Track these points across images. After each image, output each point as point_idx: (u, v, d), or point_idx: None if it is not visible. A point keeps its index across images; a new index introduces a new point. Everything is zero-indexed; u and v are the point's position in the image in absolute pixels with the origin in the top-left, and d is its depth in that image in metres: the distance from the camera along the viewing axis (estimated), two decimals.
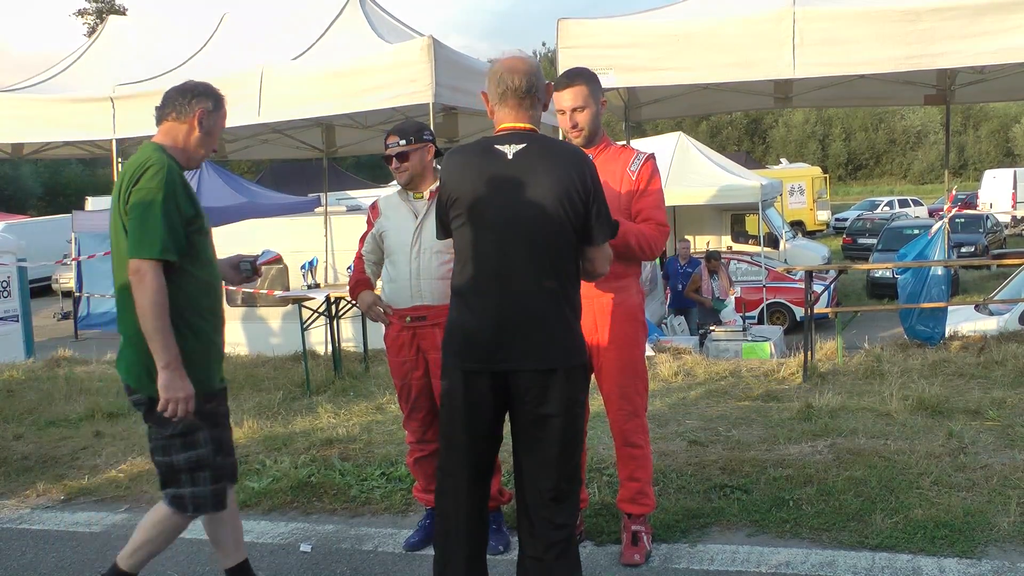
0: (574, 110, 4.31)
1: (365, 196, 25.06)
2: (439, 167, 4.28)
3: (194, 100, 3.79)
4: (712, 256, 15.58)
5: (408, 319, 4.56)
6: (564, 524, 3.40)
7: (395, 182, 4.83)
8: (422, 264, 4.51)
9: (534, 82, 3.51)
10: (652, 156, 4.49)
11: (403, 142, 4.60)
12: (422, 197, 4.63)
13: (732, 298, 16.32)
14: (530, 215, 3.33)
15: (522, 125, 3.50)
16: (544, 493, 3.37)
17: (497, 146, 3.41)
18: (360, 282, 4.78)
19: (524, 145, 3.40)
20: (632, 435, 4.44)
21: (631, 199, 4.33)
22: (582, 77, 4.36)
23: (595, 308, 4.32)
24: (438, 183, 4.63)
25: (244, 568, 4.09)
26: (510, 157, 3.38)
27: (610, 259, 3.64)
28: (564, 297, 3.39)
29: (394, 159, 4.61)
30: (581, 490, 4.50)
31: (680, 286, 15.36)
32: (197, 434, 3.72)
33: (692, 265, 15.34)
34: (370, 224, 4.79)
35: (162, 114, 3.82)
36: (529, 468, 3.42)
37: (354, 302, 5.29)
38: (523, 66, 3.53)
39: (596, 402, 4.62)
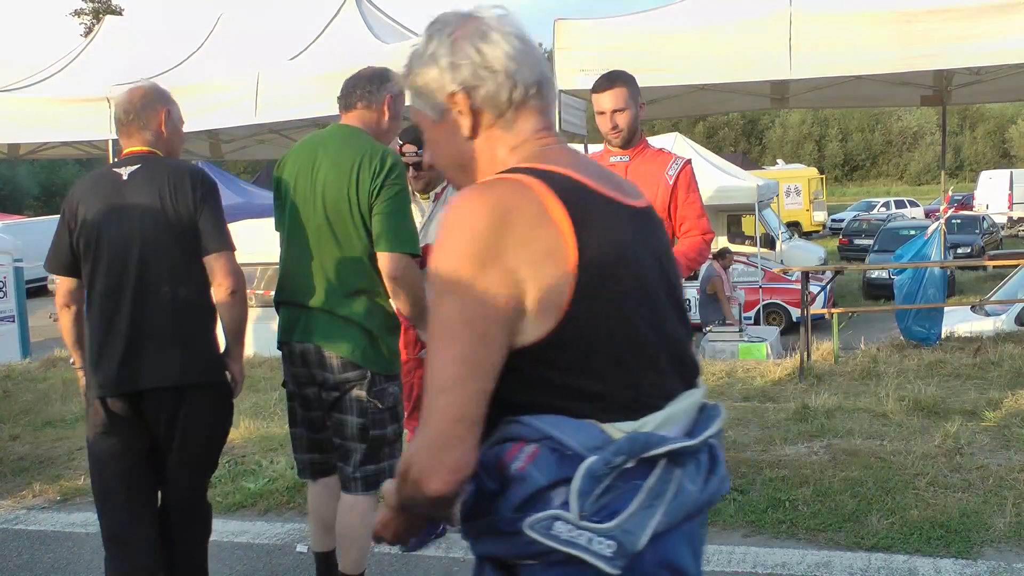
0: (614, 111, 4.36)
1: None
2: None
3: (383, 86, 3.83)
4: (724, 253, 15.42)
5: None
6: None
7: None
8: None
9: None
10: (689, 161, 4.54)
11: (420, 151, 4.63)
12: (428, 198, 4.71)
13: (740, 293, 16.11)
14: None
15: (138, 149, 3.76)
16: None
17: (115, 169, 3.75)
18: None
19: (138, 166, 3.69)
20: None
21: (667, 203, 4.37)
22: (622, 79, 4.40)
23: None
24: (445, 183, 4.72)
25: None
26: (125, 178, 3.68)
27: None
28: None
29: (411, 167, 4.64)
30: None
31: None
32: (399, 406, 3.88)
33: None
34: None
35: (349, 101, 3.84)
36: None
37: None
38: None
39: None
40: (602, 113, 4.39)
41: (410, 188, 4.76)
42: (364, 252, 3.70)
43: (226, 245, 3.64)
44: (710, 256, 15.20)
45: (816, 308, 13.07)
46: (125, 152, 3.73)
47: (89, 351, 3.64)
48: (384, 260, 3.66)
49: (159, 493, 3.77)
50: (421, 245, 4.55)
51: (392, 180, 3.67)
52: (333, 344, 3.69)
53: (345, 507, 3.81)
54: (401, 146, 4.71)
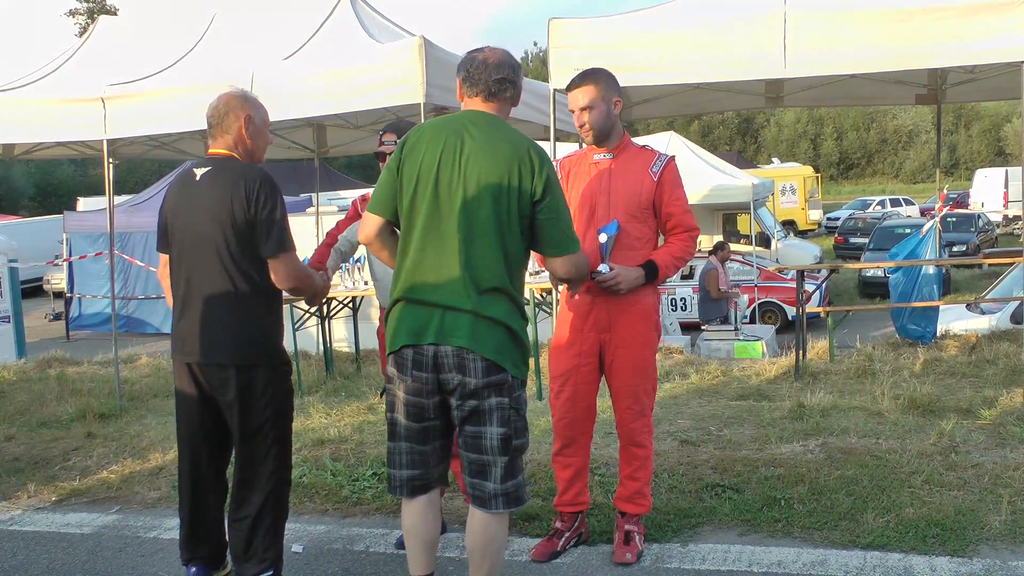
0: (582, 109, 4.36)
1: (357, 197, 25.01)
2: None
3: (519, 79, 3.74)
4: (721, 246, 15.33)
5: None
6: None
7: None
8: None
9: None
10: (673, 158, 4.54)
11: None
12: None
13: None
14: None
15: (216, 152, 4.13)
16: None
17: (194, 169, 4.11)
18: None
19: (209, 168, 4.07)
20: (638, 435, 4.46)
21: (651, 201, 4.38)
22: (591, 77, 4.42)
23: (609, 307, 4.36)
24: None
25: None
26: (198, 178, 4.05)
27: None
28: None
29: (388, 156, 4.60)
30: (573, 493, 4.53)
31: None
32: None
33: None
34: (357, 215, 4.77)
35: (500, 88, 3.65)
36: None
37: None
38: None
39: (603, 401, 4.61)
40: (573, 111, 4.41)
41: None
42: (516, 249, 3.56)
43: (283, 248, 4.00)
44: (708, 252, 15.22)
45: (811, 307, 13.10)
46: (208, 153, 4.15)
47: (173, 321, 4.21)
48: (560, 264, 3.67)
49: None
50: None
51: (553, 179, 3.58)
52: (480, 346, 3.47)
53: (482, 524, 3.58)
54: (382, 135, 4.66)
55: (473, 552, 3.60)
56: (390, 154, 4.55)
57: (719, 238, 22.24)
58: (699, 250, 16.32)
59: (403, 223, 3.60)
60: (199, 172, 4.08)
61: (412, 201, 3.55)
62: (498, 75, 3.62)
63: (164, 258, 4.25)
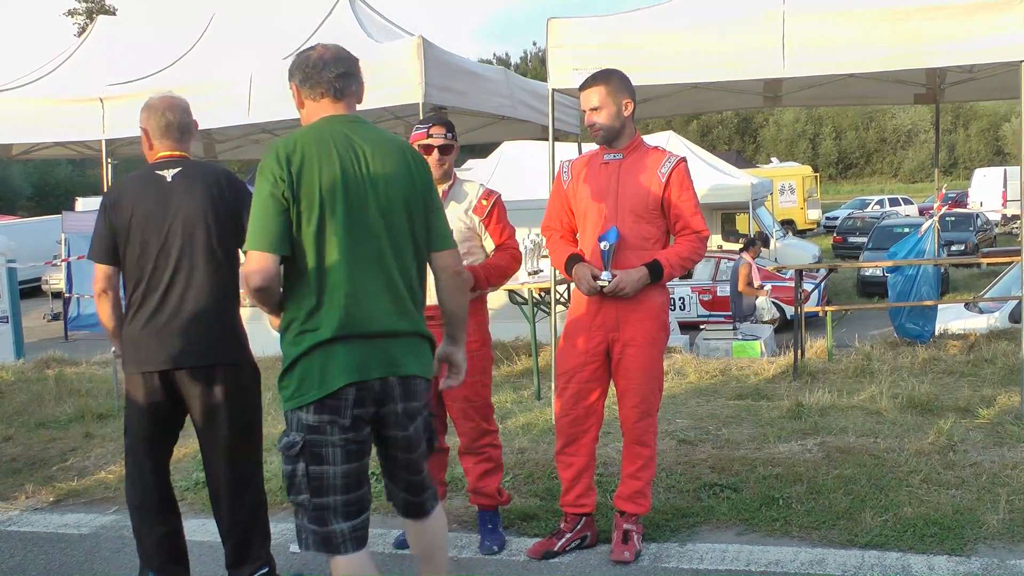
0: (591, 110, 4.40)
1: None
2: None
3: (359, 69, 3.49)
4: (753, 242, 15.23)
5: None
6: None
7: None
8: None
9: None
10: (683, 159, 4.53)
11: (450, 135, 4.58)
12: None
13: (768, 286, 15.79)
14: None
15: (178, 153, 4.10)
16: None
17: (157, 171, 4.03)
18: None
19: (179, 169, 4.03)
20: (643, 434, 4.46)
21: (659, 202, 4.39)
22: (601, 78, 4.46)
23: (618, 306, 4.36)
24: (452, 182, 4.63)
25: None
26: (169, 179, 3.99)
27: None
28: None
29: (437, 150, 4.55)
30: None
31: None
32: None
33: None
34: None
35: (346, 83, 3.36)
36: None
37: None
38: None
39: (609, 399, 4.61)
40: (584, 111, 4.43)
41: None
42: (424, 254, 3.36)
43: None
44: (739, 250, 15.05)
45: (810, 306, 13.09)
46: (162, 155, 4.09)
47: (135, 331, 3.97)
48: (449, 257, 3.40)
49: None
50: None
51: (430, 172, 3.47)
52: (424, 368, 3.30)
53: (439, 520, 3.53)
54: (429, 128, 4.56)
55: (437, 550, 3.54)
56: (439, 147, 4.54)
57: (717, 237, 22.31)
58: (723, 250, 16.37)
59: (309, 253, 3.12)
60: (169, 173, 4.01)
61: (320, 226, 3.11)
62: (338, 70, 3.31)
63: (108, 269, 3.99)
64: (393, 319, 3.20)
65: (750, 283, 14.56)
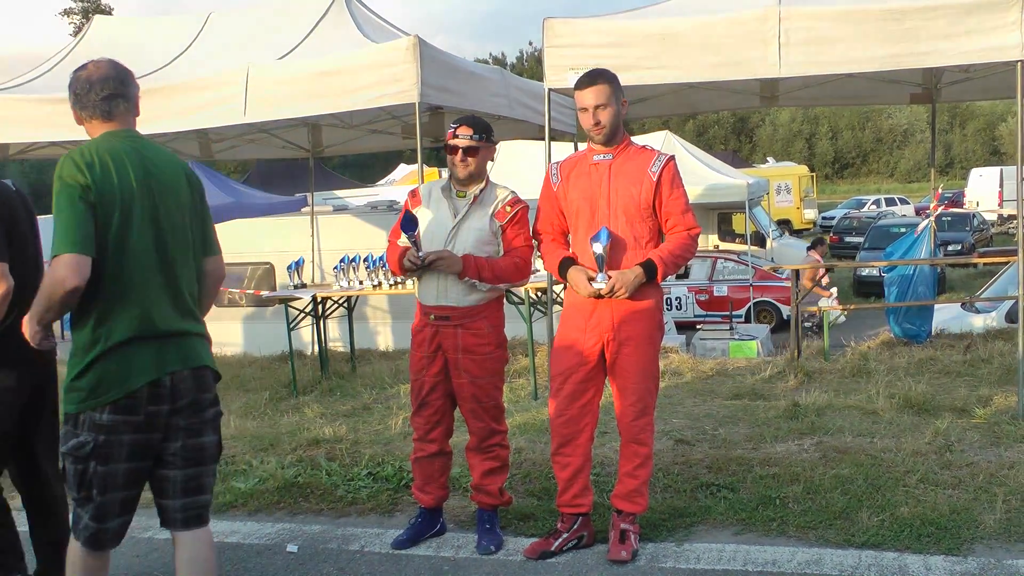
0: (596, 107, 4.38)
1: (351, 196, 24.98)
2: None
3: (129, 86, 3.57)
4: (819, 242, 15.09)
5: (432, 317, 4.58)
6: None
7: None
8: None
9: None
10: (672, 158, 4.54)
11: (476, 137, 4.55)
12: (465, 196, 4.61)
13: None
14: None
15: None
16: None
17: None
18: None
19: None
20: (640, 433, 4.46)
21: (651, 200, 4.39)
22: (603, 77, 4.45)
23: (613, 306, 4.36)
24: (484, 186, 4.63)
25: None
26: None
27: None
28: None
29: (461, 151, 4.54)
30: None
31: None
32: None
33: None
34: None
35: (113, 105, 3.50)
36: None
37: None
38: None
39: (606, 397, 4.61)
40: (584, 110, 4.42)
41: (450, 183, 4.67)
42: (199, 261, 3.55)
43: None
44: (807, 248, 14.82)
45: (830, 304, 13.07)
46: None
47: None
48: (218, 263, 3.66)
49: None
50: (455, 246, 4.51)
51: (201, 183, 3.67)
52: (211, 360, 3.53)
53: (208, 541, 3.51)
54: (456, 128, 4.56)
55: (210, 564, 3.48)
56: (464, 148, 4.53)
57: (713, 237, 22.31)
58: (720, 250, 16.40)
59: (108, 258, 3.23)
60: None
61: (119, 233, 3.25)
62: (104, 92, 3.43)
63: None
64: (181, 320, 3.41)
65: (817, 283, 14.08)
